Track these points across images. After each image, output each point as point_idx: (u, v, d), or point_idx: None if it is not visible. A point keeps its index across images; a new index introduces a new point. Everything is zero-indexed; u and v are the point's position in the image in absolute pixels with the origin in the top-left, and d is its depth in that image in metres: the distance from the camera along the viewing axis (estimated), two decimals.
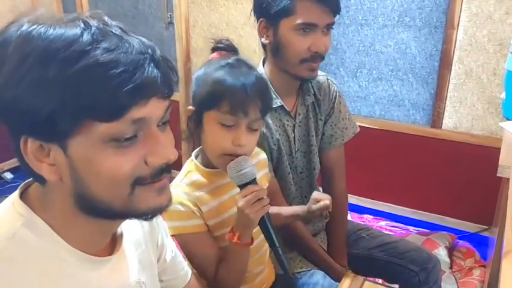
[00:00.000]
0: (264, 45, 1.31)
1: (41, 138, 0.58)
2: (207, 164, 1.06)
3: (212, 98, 0.97)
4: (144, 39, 0.60)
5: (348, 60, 2.60)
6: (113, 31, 0.58)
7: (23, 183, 0.68)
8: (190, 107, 1.03)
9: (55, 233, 0.63)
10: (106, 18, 0.60)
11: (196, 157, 1.09)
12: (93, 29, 0.56)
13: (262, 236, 1.03)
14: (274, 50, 1.27)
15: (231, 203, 1.04)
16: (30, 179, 0.67)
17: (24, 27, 0.56)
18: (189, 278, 0.99)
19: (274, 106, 1.28)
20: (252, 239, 1.01)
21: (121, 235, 0.74)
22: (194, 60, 2.92)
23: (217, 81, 0.97)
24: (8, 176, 3.06)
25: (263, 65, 1.34)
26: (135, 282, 0.76)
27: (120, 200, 0.61)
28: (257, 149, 1.12)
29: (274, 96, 1.28)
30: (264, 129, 1.26)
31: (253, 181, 0.97)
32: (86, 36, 0.55)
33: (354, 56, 2.58)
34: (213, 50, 1.13)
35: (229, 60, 1.02)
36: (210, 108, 0.98)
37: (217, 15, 2.79)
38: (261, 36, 1.29)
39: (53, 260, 0.63)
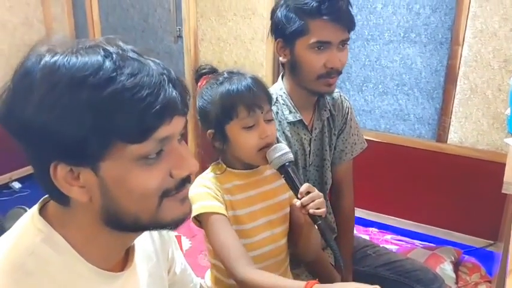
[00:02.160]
0: (282, 63, 1.35)
1: (72, 162, 0.59)
2: (230, 166, 1.13)
3: (227, 110, 1.04)
4: (157, 60, 0.63)
5: (354, 75, 2.63)
6: (131, 56, 0.60)
7: (42, 199, 0.70)
8: (210, 131, 1.08)
9: (73, 249, 0.65)
10: (121, 43, 0.62)
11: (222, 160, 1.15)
12: (113, 55, 0.58)
13: (281, 241, 1.08)
14: (292, 68, 1.31)
15: (248, 201, 1.09)
16: (47, 197, 0.69)
17: (47, 58, 0.58)
18: None
19: (293, 120, 1.33)
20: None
21: (133, 249, 0.76)
22: None
23: (224, 95, 1.05)
24: (16, 185, 3.08)
25: (282, 80, 1.39)
26: None
27: (148, 213, 0.64)
28: None
29: (293, 110, 1.34)
30: (284, 142, 1.29)
31: (291, 164, 1.06)
32: (109, 63, 0.57)
33: (360, 71, 2.61)
34: (199, 77, 1.16)
35: (224, 76, 1.10)
36: (229, 120, 1.05)
37: (225, 29, 2.83)
38: (278, 55, 1.34)
39: (70, 275, 0.64)
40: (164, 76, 0.61)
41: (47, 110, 0.56)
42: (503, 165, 1.41)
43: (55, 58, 0.58)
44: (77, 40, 0.62)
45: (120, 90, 0.56)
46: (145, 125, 0.58)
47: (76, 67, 0.56)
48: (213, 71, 1.16)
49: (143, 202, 0.63)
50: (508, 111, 1.85)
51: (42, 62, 0.58)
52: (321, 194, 1.04)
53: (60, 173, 0.60)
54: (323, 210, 1.02)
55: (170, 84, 0.61)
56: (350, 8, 1.28)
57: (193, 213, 1.03)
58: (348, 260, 1.46)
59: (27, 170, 3.12)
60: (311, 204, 1.01)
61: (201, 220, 1.06)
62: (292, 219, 1.18)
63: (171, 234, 0.91)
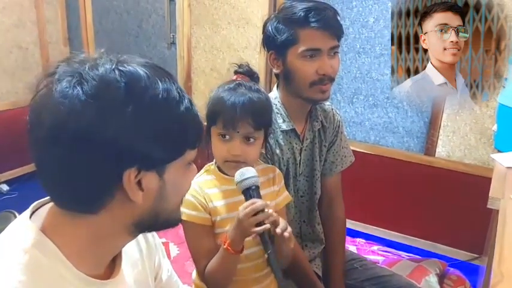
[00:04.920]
0: (276, 74, 1.38)
1: (144, 168, 0.64)
2: (221, 169, 1.18)
3: (212, 115, 1.11)
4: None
5: (345, 86, 2.66)
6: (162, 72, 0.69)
7: (34, 204, 0.71)
8: (204, 124, 1.11)
9: (63, 255, 0.66)
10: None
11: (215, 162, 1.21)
12: (175, 84, 0.68)
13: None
14: (286, 78, 1.33)
15: (238, 205, 1.10)
16: (41, 200, 0.71)
17: (130, 78, 0.63)
18: None
19: (286, 128, 1.36)
20: (243, 248, 1.07)
21: (120, 256, 0.77)
22: (195, 79, 2.97)
23: (216, 100, 1.12)
24: (4, 188, 3.05)
25: (277, 89, 1.41)
26: None
27: (175, 212, 0.75)
28: (272, 166, 1.27)
29: (287, 119, 1.36)
30: (277, 150, 1.33)
31: (256, 189, 1.06)
32: (175, 91, 0.67)
33: (351, 83, 2.64)
34: (235, 73, 1.20)
35: (235, 84, 1.13)
36: (212, 123, 1.12)
37: (219, 37, 2.85)
38: (272, 67, 1.36)
39: (59, 280, 0.65)
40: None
41: (135, 128, 0.62)
42: (489, 179, 1.44)
43: (141, 81, 0.63)
44: (134, 56, 0.69)
45: (186, 110, 0.68)
46: (199, 135, 0.72)
47: (159, 92, 0.64)
48: (249, 73, 1.18)
49: (179, 201, 0.75)
50: (495, 127, 1.88)
51: (124, 81, 0.62)
52: (262, 204, 1.02)
53: (132, 179, 0.64)
54: (264, 227, 1.00)
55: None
56: (338, 17, 1.31)
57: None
58: (339, 274, 1.46)
59: (16, 172, 3.10)
60: (251, 220, 1.00)
61: (182, 225, 1.13)
62: None
63: (157, 242, 0.93)
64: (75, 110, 0.59)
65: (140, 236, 0.86)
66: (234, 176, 1.07)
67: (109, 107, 0.60)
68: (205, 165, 1.21)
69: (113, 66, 0.63)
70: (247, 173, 1.06)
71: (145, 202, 0.67)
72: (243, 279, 1.18)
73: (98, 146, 0.60)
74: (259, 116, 1.10)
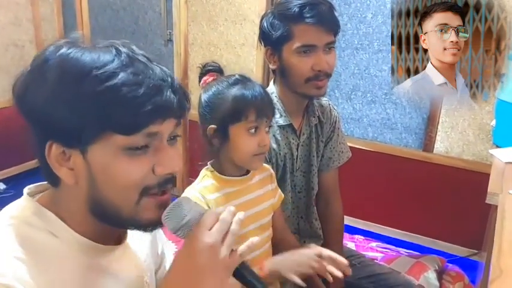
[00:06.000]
0: (273, 70, 1.38)
1: (66, 144, 0.64)
2: (221, 172, 1.14)
3: (237, 112, 1.07)
4: (164, 68, 0.67)
5: (343, 83, 2.65)
6: (140, 58, 0.65)
7: (28, 187, 0.72)
8: (212, 126, 1.09)
9: (63, 222, 0.68)
10: (134, 47, 0.67)
11: (212, 166, 1.17)
12: (123, 55, 0.64)
13: (264, 246, 1.10)
14: (282, 74, 1.33)
15: (242, 207, 1.08)
16: (34, 186, 0.73)
17: (64, 50, 0.64)
18: None
19: (283, 124, 1.35)
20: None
21: (125, 232, 0.78)
22: (192, 77, 2.96)
23: (237, 97, 1.07)
24: (1, 186, 3.04)
25: (273, 84, 1.40)
26: (139, 277, 0.80)
27: (128, 207, 0.67)
28: (264, 165, 1.21)
29: (284, 114, 1.35)
30: (274, 145, 1.32)
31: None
32: (117, 61, 0.63)
33: (349, 79, 2.63)
34: (206, 72, 1.18)
35: (236, 77, 1.12)
36: (235, 121, 1.07)
37: (216, 34, 2.83)
38: (268, 62, 1.36)
39: (61, 245, 0.67)
40: (167, 82, 0.65)
41: (55, 96, 0.62)
42: (488, 175, 1.44)
43: (70, 50, 0.63)
44: (99, 40, 0.68)
45: (120, 85, 0.61)
46: (137, 120, 0.62)
47: (87, 60, 0.62)
48: (220, 71, 1.18)
49: (124, 193, 0.66)
50: (493, 123, 1.88)
51: (58, 53, 0.64)
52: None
53: (54, 152, 0.64)
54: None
55: (170, 90, 0.65)
56: (334, 12, 1.30)
57: None
58: None
59: (13, 170, 3.09)
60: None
61: None
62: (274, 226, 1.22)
63: (159, 235, 0.93)
64: (20, 80, 0.66)
65: None
66: (257, 169, 1.12)
67: (36, 75, 0.64)
68: (201, 171, 1.16)
69: (69, 49, 0.64)
70: (179, 211, 0.69)
71: (81, 185, 0.66)
72: None
73: (26, 113, 0.65)
74: (272, 103, 1.14)
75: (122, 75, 0.61)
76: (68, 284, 0.66)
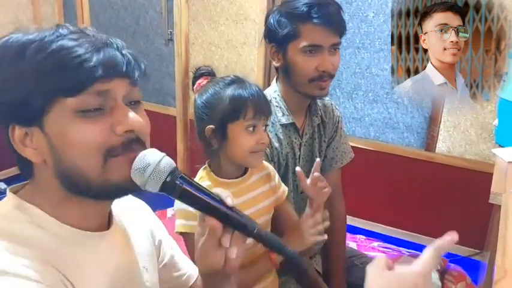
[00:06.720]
0: (276, 68, 1.37)
1: (25, 123, 0.65)
2: (218, 173, 1.14)
3: (235, 111, 1.07)
4: (114, 39, 0.68)
5: (345, 82, 2.64)
6: (87, 32, 0.66)
7: (12, 186, 0.73)
8: (211, 126, 1.09)
9: (46, 214, 0.67)
10: (89, 28, 0.69)
11: (209, 166, 1.17)
12: (67, 29, 0.65)
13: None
14: (285, 72, 1.32)
15: (240, 207, 1.09)
16: (18, 184, 0.73)
17: (6, 38, 0.65)
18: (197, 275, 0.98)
19: (286, 122, 1.34)
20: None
21: (112, 215, 0.77)
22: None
23: (235, 96, 1.08)
24: (2, 186, 3.04)
25: (276, 83, 1.40)
26: (133, 262, 0.79)
27: (95, 171, 0.65)
28: (264, 163, 1.21)
29: (287, 113, 1.35)
30: (276, 144, 1.32)
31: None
32: (55, 33, 0.64)
33: (351, 78, 2.62)
34: (199, 76, 1.18)
35: (232, 78, 1.12)
36: (234, 120, 1.07)
37: (217, 33, 2.83)
38: (272, 59, 1.35)
39: (45, 235, 0.66)
40: (109, 44, 0.66)
41: (1, 78, 0.64)
42: (491, 175, 1.43)
43: (12, 35, 0.65)
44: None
45: (58, 49, 0.62)
46: (79, 78, 0.62)
47: (25, 39, 0.64)
48: (213, 74, 1.19)
49: (87, 158, 0.65)
50: (496, 122, 1.87)
51: (4, 39, 0.65)
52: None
53: (17, 135, 0.66)
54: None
55: (116, 51, 0.66)
56: (341, 13, 1.29)
57: (176, 230, 1.08)
58: (339, 273, 1.45)
59: (13, 170, 3.08)
60: None
61: (184, 239, 1.09)
62: (280, 221, 1.22)
63: (159, 223, 0.94)
64: None
65: (139, 214, 0.88)
66: (255, 167, 1.12)
67: None
68: (199, 172, 1.16)
69: (11, 35, 0.65)
70: (150, 156, 0.67)
71: (48, 162, 0.66)
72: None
73: None
74: (269, 102, 1.15)
75: (60, 42, 0.63)
76: (56, 272, 0.64)
